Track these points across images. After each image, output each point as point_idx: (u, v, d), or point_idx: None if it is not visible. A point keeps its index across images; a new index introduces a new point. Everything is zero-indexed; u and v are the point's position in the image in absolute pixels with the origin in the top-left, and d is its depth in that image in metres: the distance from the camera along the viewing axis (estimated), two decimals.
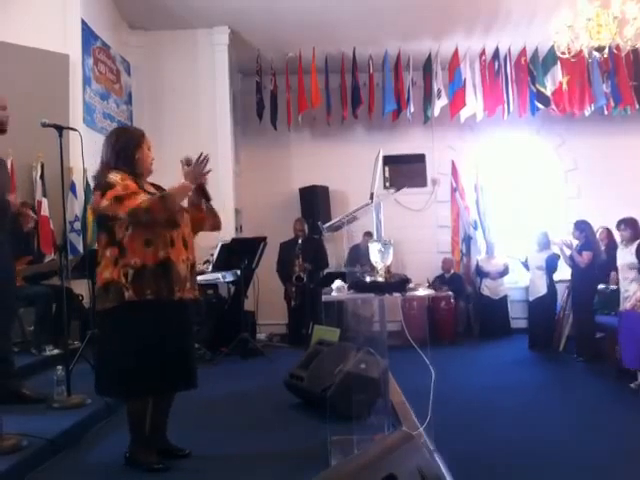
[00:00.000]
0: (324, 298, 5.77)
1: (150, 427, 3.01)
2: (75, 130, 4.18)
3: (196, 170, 3.00)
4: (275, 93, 8.48)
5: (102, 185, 2.90)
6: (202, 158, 3.01)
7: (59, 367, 3.88)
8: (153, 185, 3.13)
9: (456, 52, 8.16)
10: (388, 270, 3.38)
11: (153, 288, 2.85)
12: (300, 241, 7.52)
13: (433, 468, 2.42)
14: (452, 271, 8.36)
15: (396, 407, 3.96)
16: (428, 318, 7.43)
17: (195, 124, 7.81)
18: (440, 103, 8.32)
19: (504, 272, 8.16)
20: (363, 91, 8.41)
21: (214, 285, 6.60)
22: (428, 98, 8.42)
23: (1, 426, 2.96)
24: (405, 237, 7.64)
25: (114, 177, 2.88)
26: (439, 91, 8.32)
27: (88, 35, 6.89)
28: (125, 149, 2.99)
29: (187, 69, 7.97)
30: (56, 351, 4.97)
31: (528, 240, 7.28)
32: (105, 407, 3.81)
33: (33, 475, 2.90)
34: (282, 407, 4.19)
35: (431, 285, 7.89)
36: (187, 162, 3.06)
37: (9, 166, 4.92)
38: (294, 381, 4.30)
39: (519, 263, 7.37)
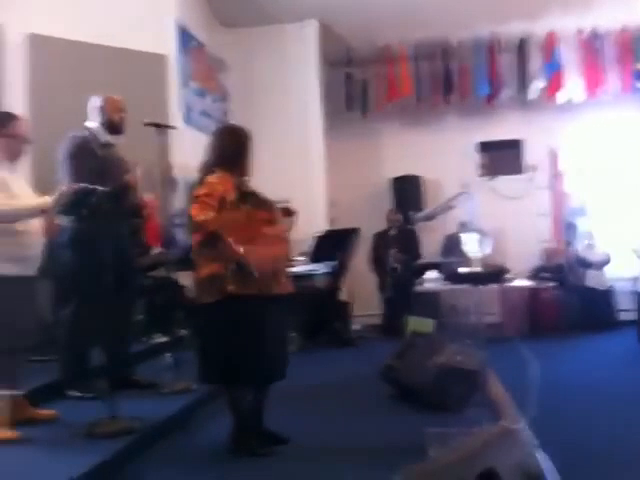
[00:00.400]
0: (419, 289, 5.73)
1: (251, 414, 3.12)
2: (175, 128, 4.37)
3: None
4: (365, 83, 8.48)
5: (200, 182, 3.02)
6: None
7: (167, 354, 4.09)
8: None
9: (552, 32, 7.84)
10: (484, 260, 3.29)
11: (254, 282, 2.92)
12: (393, 232, 7.50)
13: (534, 464, 2.37)
14: (554, 261, 8.05)
15: (494, 400, 3.89)
16: (528, 310, 7.22)
17: (286, 118, 7.95)
18: (536, 86, 8.03)
19: (607, 261, 7.79)
20: (455, 77, 8.25)
21: (309, 276, 6.70)
22: (523, 81, 8.14)
23: (116, 410, 3.15)
24: (502, 226, 7.45)
25: (212, 178, 2.99)
26: (535, 73, 8.03)
27: (184, 35, 7.15)
28: (231, 149, 3.09)
29: (277, 64, 8.10)
30: (164, 339, 5.24)
31: (636, 227, 6.90)
32: (210, 393, 3.97)
33: (143, 456, 3.07)
34: (377, 398, 4.21)
35: (531, 275, 7.66)
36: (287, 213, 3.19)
37: None
38: (389, 372, 4.31)
39: (626, 252, 7.00)
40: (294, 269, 5.77)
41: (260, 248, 2.96)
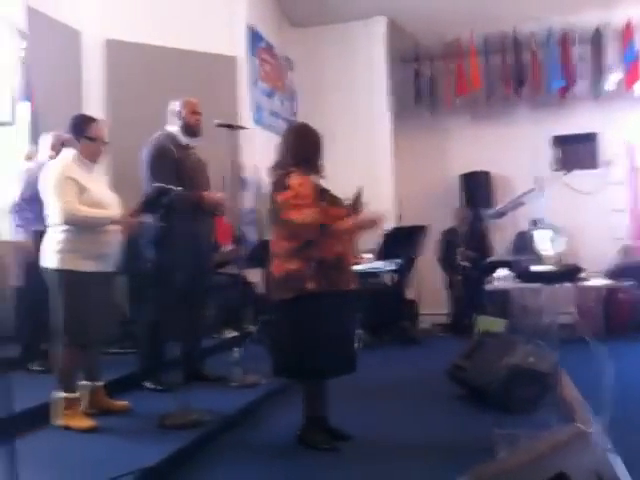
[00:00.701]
0: (488, 287, 5.64)
1: (322, 409, 3.17)
2: (245, 128, 4.46)
3: (370, 225, 3.13)
4: (433, 78, 8.39)
5: (281, 183, 3.07)
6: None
7: (236, 349, 4.19)
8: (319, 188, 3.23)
9: (629, 21, 7.51)
10: (557, 258, 3.21)
11: (331, 279, 3.01)
12: (462, 229, 7.38)
13: (608, 469, 2.29)
14: (632, 259, 7.71)
15: (567, 402, 3.78)
16: (604, 310, 6.96)
17: (353, 116, 7.97)
18: (613, 77, 7.71)
19: None
20: (526, 70, 8.03)
21: (376, 274, 6.69)
22: (598, 73, 7.83)
23: (187, 402, 3.26)
24: (576, 223, 7.20)
25: (294, 180, 3.03)
26: (611, 65, 7.72)
27: (254, 36, 7.28)
28: (307, 148, 3.15)
29: (345, 61, 8.13)
30: (233, 334, 5.37)
31: None
32: (278, 387, 4.04)
33: (212, 448, 3.14)
34: (444, 397, 4.16)
35: (607, 274, 7.36)
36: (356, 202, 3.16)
37: None
38: (457, 371, 4.25)
39: None
40: (361, 266, 5.78)
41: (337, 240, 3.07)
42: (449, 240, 7.42)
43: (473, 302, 6.61)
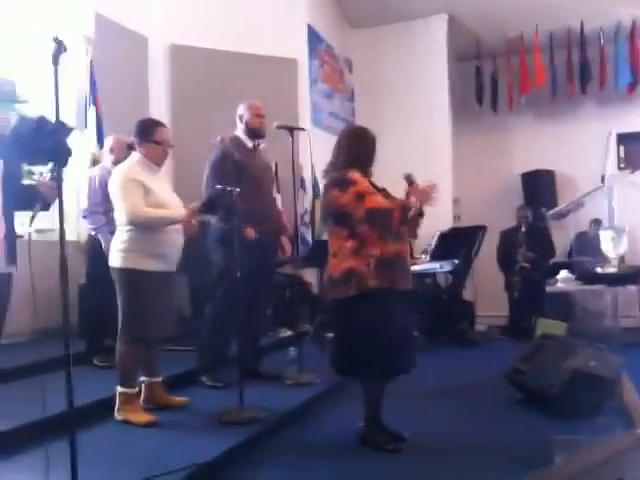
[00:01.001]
0: (549, 289, 5.49)
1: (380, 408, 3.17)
2: (304, 130, 4.52)
3: (425, 194, 3.06)
4: (495, 76, 8.25)
5: (341, 181, 3.06)
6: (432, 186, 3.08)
7: (291, 348, 4.24)
8: (374, 186, 3.24)
9: None
10: (622, 260, 3.09)
11: (391, 277, 3.03)
12: (523, 229, 7.22)
13: None
14: None
15: (629, 408, 3.66)
16: None
17: (413, 115, 7.92)
18: None
19: None
20: (593, 66, 7.79)
21: (432, 274, 6.64)
22: None
23: (243, 399, 3.33)
24: None
25: (354, 175, 3.07)
26: None
27: (314, 38, 7.34)
28: (362, 149, 3.18)
29: (405, 61, 8.09)
30: (289, 333, 5.44)
31: None
32: (333, 386, 4.07)
33: (268, 445, 3.18)
34: (502, 401, 4.09)
35: None
36: (409, 179, 3.14)
37: None
38: (516, 375, 4.17)
39: None
40: (417, 267, 5.75)
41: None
42: (509, 240, 7.27)
43: (533, 304, 6.47)
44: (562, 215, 6.60)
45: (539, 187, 7.97)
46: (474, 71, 8.33)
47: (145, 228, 3.26)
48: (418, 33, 8.08)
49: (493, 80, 8.25)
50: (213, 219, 3.95)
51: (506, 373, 4.24)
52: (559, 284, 5.23)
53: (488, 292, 7.27)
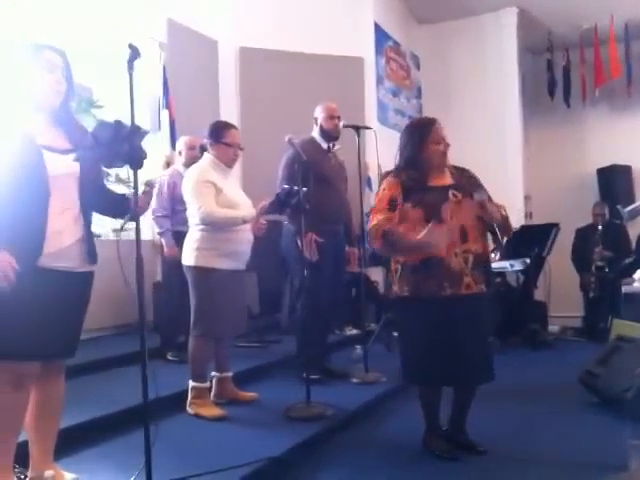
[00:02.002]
0: (625, 289, 5.28)
1: (437, 414, 3.08)
2: (370, 129, 4.52)
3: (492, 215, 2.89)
4: (568, 69, 7.98)
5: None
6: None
7: (357, 346, 4.26)
8: (457, 169, 3.06)
9: None
10: None
11: (414, 284, 2.86)
12: (600, 227, 6.97)
13: None
14: None
15: None
16: None
17: (482, 110, 7.78)
18: None
19: None
20: None
21: (502, 274, 6.50)
22: None
23: (310, 396, 3.37)
24: None
25: (383, 184, 3.00)
26: None
27: (380, 36, 7.32)
28: (406, 147, 2.99)
29: (474, 56, 7.96)
30: (355, 331, 5.46)
31: None
32: (399, 386, 4.05)
33: (334, 442, 3.21)
34: (575, 405, 3.97)
35: None
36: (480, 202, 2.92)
37: None
38: (590, 378, 4.04)
39: None
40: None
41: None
42: (585, 239, 7.03)
43: (608, 305, 6.24)
44: (638, 213, 6.34)
45: (615, 183, 7.68)
46: (546, 64, 8.09)
47: (216, 228, 3.35)
48: (487, 27, 7.93)
49: (566, 73, 7.99)
50: (284, 218, 4.01)
51: (580, 376, 4.12)
52: (636, 284, 5.05)
53: (562, 292, 7.03)
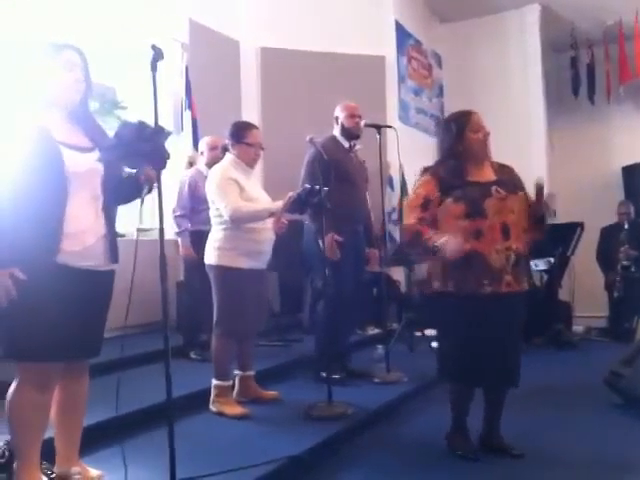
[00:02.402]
0: None
1: (483, 420, 3.04)
2: (392, 128, 4.50)
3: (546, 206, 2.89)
4: (592, 66, 7.89)
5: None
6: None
7: (379, 346, 4.25)
8: (500, 165, 3.01)
9: None
10: None
11: (457, 280, 2.80)
12: (626, 226, 6.86)
13: None
14: None
15: None
16: None
17: (506, 109, 7.69)
18: None
19: None
20: None
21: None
22: None
23: (331, 395, 3.37)
24: None
25: (418, 182, 2.96)
26: None
27: (402, 35, 7.30)
28: (444, 141, 2.95)
29: (497, 53, 7.90)
30: (376, 331, 5.45)
31: None
32: (420, 385, 4.05)
33: (356, 442, 3.20)
34: (600, 407, 3.91)
35: None
36: (538, 186, 2.89)
37: None
38: (615, 379, 3.99)
39: None
40: None
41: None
42: (610, 238, 6.93)
43: (634, 305, 6.15)
44: None
45: None
46: (569, 62, 8.01)
47: (239, 227, 3.35)
48: (510, 25, 7.87)
49: (590, 70, 7.90)
50: (304, 218, 4.01)
51: (604, 376, 4.07)
52: None
53: (586, 292, 6.95)
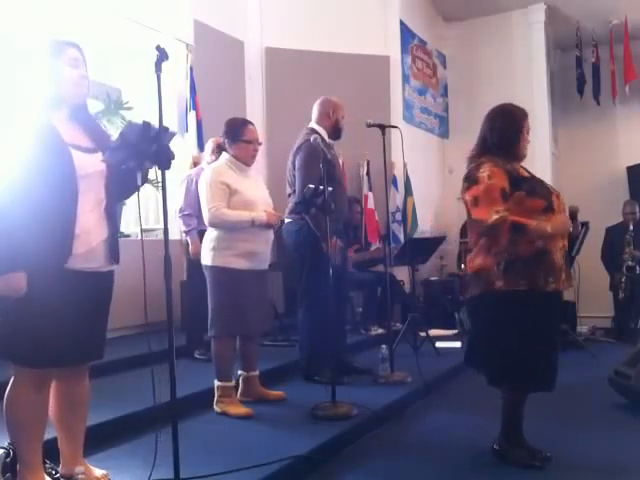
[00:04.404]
0: None
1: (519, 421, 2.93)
2: (396, 127, 4.49)
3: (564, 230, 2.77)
4: (597, 65, 7.88)
5: (468, 177, 2.77)
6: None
7: (383, 346, 4.24)
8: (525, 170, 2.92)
9: None
10: None
11: (527, 278, 2.67)
12: (631, 227, 6.84)
13: None
14: None
15: None
16: None
17: None
18: None
19: None
20: None
21: None
22: None
23: (335, 395, 3.37)
24: None
25: (484, 172, 2.71)
26: None
27: (406, 34, 7.29)
28: (506, 133, 2.82)
29: (502, 53, 7.90)
30: (381, 331, 5.44)
31: None
32: (424, 386, 4.04)
33: (360, 442, 3.20)
34: (604, 406, 3.90)
35: None
36: (572, 213, 2.91)
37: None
38: (620, 379, 3.98)
39: None
40: None
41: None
42: (615, 238, 6.91)
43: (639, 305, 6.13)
44: None
45: None
46: (574, 61, 7.99)
47: (226, 229, 3.35)
48: (515, 25, 7.86)
49: (595, 70, 7.88)
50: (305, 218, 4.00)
51: (610, 377, 4.06)
52: None
53: (591, 292, 6.91)
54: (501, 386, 2.87)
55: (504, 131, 2.82)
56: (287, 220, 4.05)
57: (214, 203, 3.34)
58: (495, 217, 2.62)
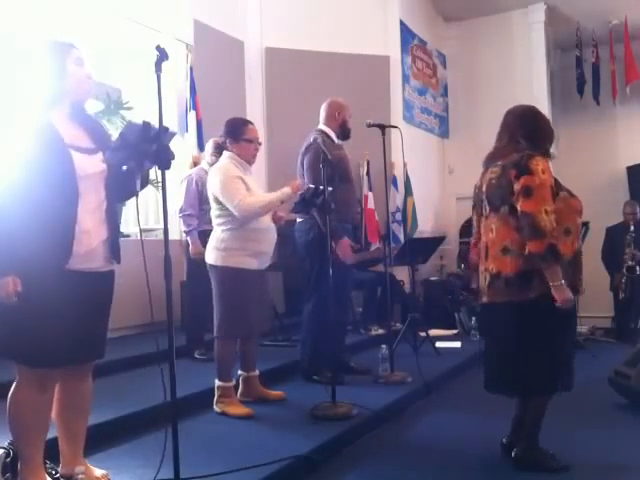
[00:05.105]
0: None
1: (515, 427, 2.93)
2: (396, 127, 4.49)
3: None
4: (597, 65, 7.88)
5: (521, 166, 2.63)
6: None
7: (383, 346, 4.24)
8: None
9: None
10: None
11: (570, 279, 2.62)
12: (631, 227, 6.84)
13: None
14: None
15: None
16: None
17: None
18: None
19: None
20: None
21: None
22: None
23: (335, 395, 3.37)
24: None
25: (538, 165, 2.62)
26: None
27: (406, 34, 7.30)
28: (541, 132, 2.82)
29: (502, 53, 7.90)
30: (380, 331, 5.44)
31: None
32: (424, 386, 4.05)
33: (360, 441, 3.21)
34: (604, 406, 3.91)
35: None
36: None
37: None
38: (619, 379, 3.98)
39: None
40: None
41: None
42: (615, 238, 6.91)
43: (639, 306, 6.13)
44: None
45: None
46: (574, 61, 7.99)
47: (244, 226, 3.33)
48: (515, 24, 7.87)
49: (595, 70, 7.88)
50: (305, 216, 4.00)
51: (610, 377, 4.06)
52: None
53: (591, 292, 6.87)
54: (536, 395, 2.81)
55: (544, 131, 2.83)
56: (298, 220, 4.07)
57: (238, 197, 3.30)
58: (544, 219, 2.53)
